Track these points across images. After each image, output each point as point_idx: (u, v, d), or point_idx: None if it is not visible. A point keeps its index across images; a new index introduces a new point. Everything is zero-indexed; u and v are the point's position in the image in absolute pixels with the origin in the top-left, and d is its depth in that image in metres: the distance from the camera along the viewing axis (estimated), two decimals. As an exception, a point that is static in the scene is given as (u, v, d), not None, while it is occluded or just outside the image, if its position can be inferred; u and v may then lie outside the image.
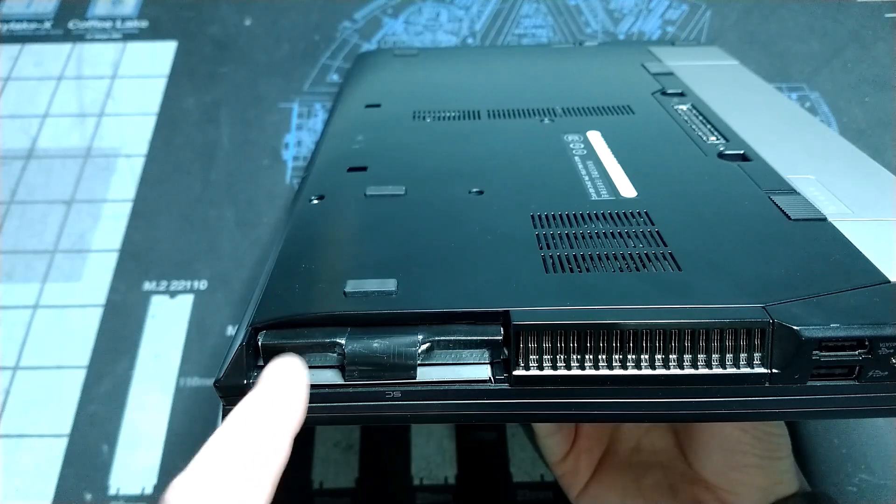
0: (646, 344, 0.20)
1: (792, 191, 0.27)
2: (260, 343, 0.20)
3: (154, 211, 0.44)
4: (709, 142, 0.31)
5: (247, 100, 0.49)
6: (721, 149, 0.30)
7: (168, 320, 0.39)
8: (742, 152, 0.30)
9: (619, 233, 0.24)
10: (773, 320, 0.19)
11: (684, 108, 0.35)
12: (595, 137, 0.32)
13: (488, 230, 0.24)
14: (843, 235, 0.24)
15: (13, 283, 0.41)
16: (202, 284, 0.41)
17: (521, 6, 0.55)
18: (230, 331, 0.39)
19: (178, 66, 0.51)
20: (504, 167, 0.29)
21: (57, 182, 0.45)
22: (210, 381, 0.37)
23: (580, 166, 0.29)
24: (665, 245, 0.23)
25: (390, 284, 0.21)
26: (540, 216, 0.25)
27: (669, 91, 0.37)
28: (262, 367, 0.20)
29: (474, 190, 0.27)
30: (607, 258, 0.22)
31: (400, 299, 0.21)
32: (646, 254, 0.23)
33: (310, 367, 0.20)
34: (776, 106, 0.36)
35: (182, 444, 0.35)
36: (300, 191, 0.30)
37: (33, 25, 0.53)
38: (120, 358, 0.38)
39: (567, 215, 0.25)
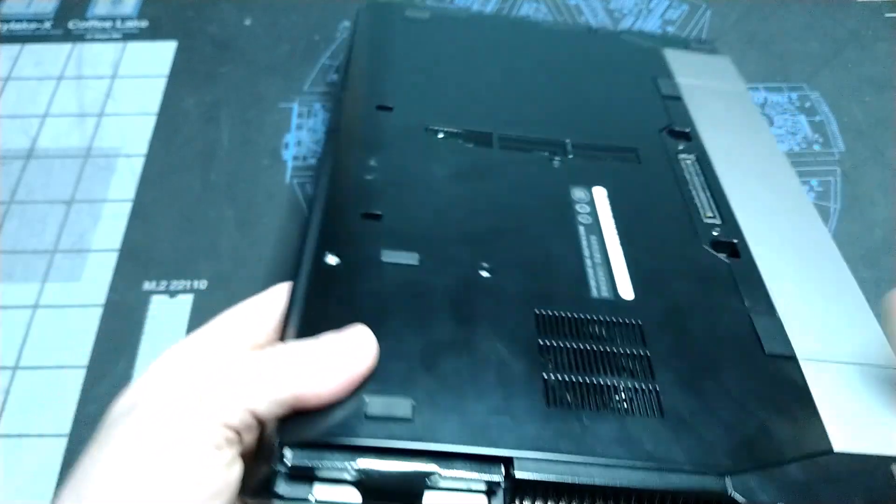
0: (620, 502, 0.22)
1: (771, 311, 0.29)
2: (289, 463, 0.21)
3: (154, 211, 0.44)
4: (706, 218, 0.33)
5: (247, 100, 0.49)
6: (715, 233, 0.32)
7: (168, 320, 0.39)
8: (734, 242, 0.31)
9: (615, 352, 0.26)
10: (731, 493, 0.22)
11: (689, 161, 0.36)
12: (600, 199, 0.33)
13: (497, 330, 0.26)
14: (806, 383, 0.27)
15: (13, 283, 0.41)
16: (202, 284, 0.41)
17: (521, 6, 0.55)
18: (230, 331, 0.39)
19: (178, 66, 0.51)
20: (513, 234, 0.30)
21: (57, 182, 0.45)
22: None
23: (584, 244, 0.30)
24: (653, 378, 0.26)
25: (407, 408, 0.23)
26: (544, 316, 0.27)
27: (676, 129, 0.38)
28: (287, 475, 0.22)
29: (484, 267, 0.28)
30: (602, 390, 0.25)
31: (415, 428, 0.22)
32: (635, 387, 0.25)
33: (325, 480, 0.22)
34: (778, 179, 0.37)
35: (182, 444, 0.35)
36: (313, 223, 0.29)
37: (33, 25, 0.53)
38: (120, 358, 0.38)
39: (569, 317, 0.27)
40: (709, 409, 0.25)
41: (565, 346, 0.26)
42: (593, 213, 0.32)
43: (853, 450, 0.25)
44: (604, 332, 0.27)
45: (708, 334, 0.28)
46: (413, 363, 0.25)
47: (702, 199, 0.34)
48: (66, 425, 0.36)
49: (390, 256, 0.28)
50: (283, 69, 0.51)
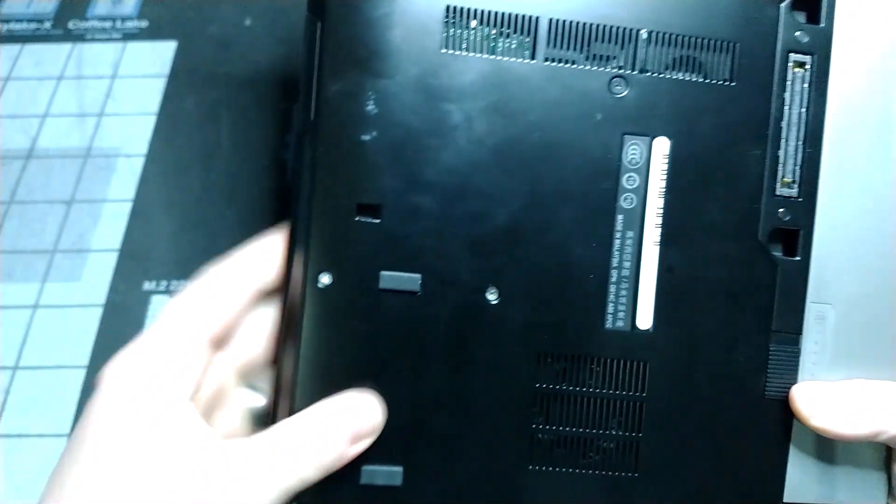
0: None
1: (796, 334, 0.27)
2: None
3: (154, 211, 0.44)
4: (781, 186, 0.27)
5: (247, 100, 0.49)
6: (781, 213, 0.27)
7: (168, 320, 0.39)
8: (797, 231, 0.27)
9: (610, 399, 0.27)
10: None
11: (802, 70, 0.27)
12: (657, 160, 0.27)
13: (494, 377, 0.26)
14: (790, 431, 0.27)
15: (13, 283, 0.41)
16: (202, 284, 0.41)
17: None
18: (230, 331, 0.39)
19: (178, 66, 0.51)
20: (535, 232, 0.26)
21: (57, 182, 0.45)
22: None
23: (616, 245, 0.27)
24: (639, 430, 0.26)
25: (397, 477, 0.25)
26: (548, 356, 0.26)
27: (798, 42, 0.27)
28: None
29: (492, 289, 0.26)
30: (586, 442, 0.26)
31: (404, 496, 0.25)
32: (619, 441, 0.26)
33: None
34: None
35: (182, 444, 0.35)
36: (302, 203, 0.26)
37: (33, 25, 0.53)
38: (120, 358, 0.38)
39: (573, 357, 0.26)
40: (681, 463, 0.26)
41: (560, 394, 0.26)
42: (641, 190, 0.26)
43: (801, 500, 0.26)
44: (605, 374, 0.26)
45: (715, 373, 0.27)
46: (407, 423, 0.25)
47: (789, 148, 0.27)
48: (66, 425, 0.36)
49: (389, 281, 0.26)
50: (283, 69, 0.51)
